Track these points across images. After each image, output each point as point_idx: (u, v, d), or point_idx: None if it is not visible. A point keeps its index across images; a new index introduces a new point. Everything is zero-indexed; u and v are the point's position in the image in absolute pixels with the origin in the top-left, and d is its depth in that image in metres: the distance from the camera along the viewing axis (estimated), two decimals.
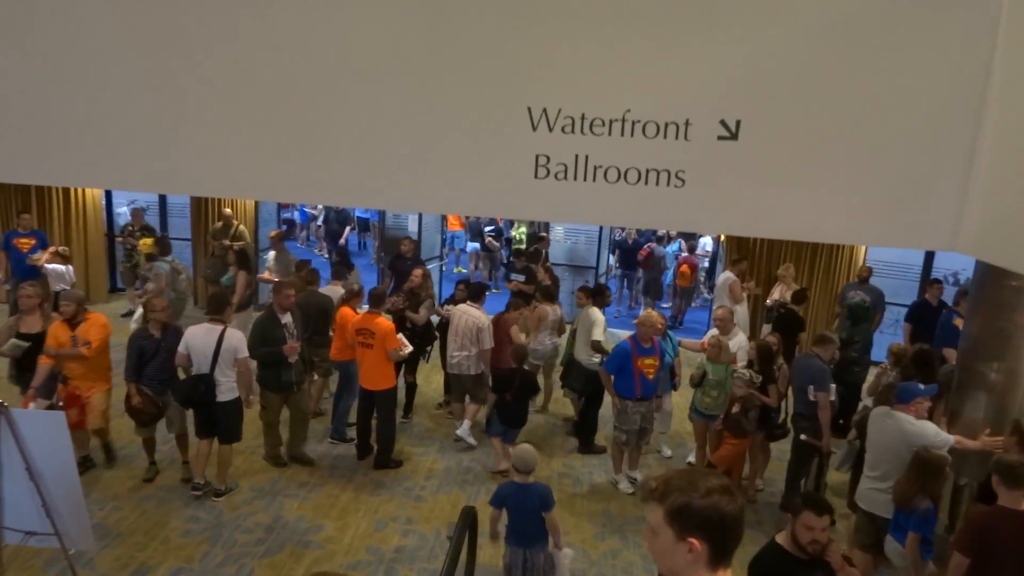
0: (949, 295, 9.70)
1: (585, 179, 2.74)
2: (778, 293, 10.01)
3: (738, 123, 2.65)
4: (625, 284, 14.22)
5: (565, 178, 2.75)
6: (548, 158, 2.76)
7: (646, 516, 1.95)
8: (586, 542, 6.36)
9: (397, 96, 2.79)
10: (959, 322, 7.32)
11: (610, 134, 2.72)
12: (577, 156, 2.74)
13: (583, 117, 2.71)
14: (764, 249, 11.18)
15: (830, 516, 3.72)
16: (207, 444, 6.60)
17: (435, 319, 8.96)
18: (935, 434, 5.21)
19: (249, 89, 2.77)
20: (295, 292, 7.32)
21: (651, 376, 6.97)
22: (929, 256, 11.35)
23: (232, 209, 12.01)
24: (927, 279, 11.37)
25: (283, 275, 9.58)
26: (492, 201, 2.88)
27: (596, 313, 8.12)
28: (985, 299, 5.65)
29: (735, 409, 6.74)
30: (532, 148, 2.77)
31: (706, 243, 14.79)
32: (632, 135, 2.70)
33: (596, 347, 7.89)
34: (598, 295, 8.48)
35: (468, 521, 4.90)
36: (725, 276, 10.30)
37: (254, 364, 6.76)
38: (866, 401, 7.55)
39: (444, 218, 14.21)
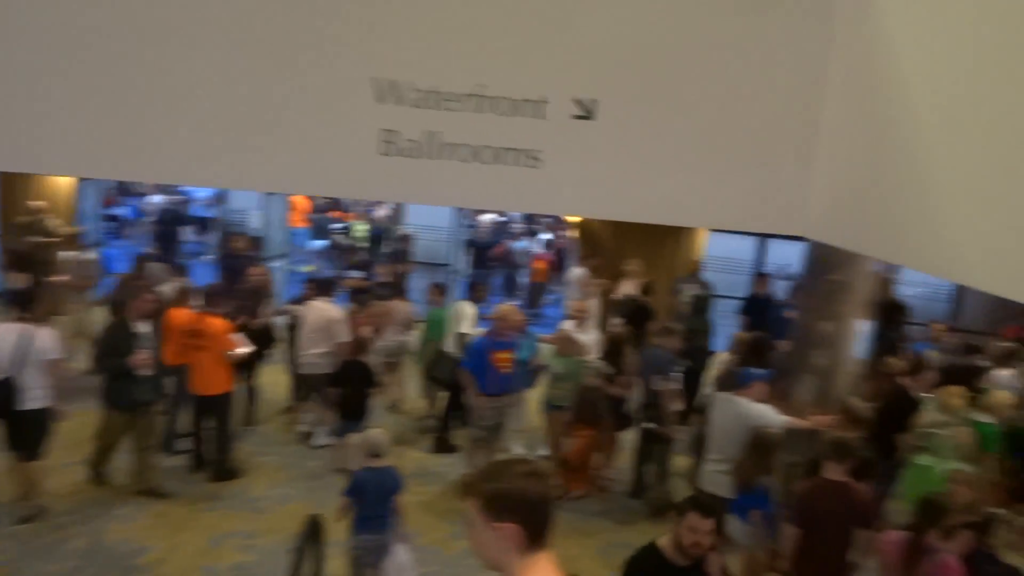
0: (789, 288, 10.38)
1: (436, 157, 2.55)
2: (626, 289, 10.29)
3: (594, 103, 2.57)
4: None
5: (414, 156, 2.55)
6: (395, 134, 2.55)
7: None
8: (442, 542, 6.18)
9: (232, 66, 2.48)
10: (791, 314, 7.83)
11: (463, 109, 2.55)
12: (427, 132, 2.55)
13: (434, 91, 2.52)
14: (615, 246, 11.48)
15: (716, 519, 3.52)
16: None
17: (280, 320, 8.46)
18: (771, 415, 5.49)
19: (78, 62, 2.40)
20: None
21: (506, 370, 6.90)
22: (760, 251, 12.13)
23: (47, 201, 10.76)
24: (759, 274, 12.18)
25: (81, 279, 8.72)
26: (334, 180, 2.63)
27: (468, 307, 8.04)
28: (812, 292, 6.06)
29: (586, 400, 6.82)
30: (376, 122, 2.55)
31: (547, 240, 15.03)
32: (486, 112, 2.54)
33: (458, 340, 7.77)
34: (471, 290, 8.44)
35: (313, 530, 4.57)
36: (578, 272, 10.47)
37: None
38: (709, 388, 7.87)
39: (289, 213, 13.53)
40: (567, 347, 7.09)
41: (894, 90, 2.26)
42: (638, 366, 7.19)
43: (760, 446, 5.12)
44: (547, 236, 15.02)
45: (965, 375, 6.72)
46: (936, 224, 1.99)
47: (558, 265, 14.21)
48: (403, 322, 8.56)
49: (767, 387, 5.70)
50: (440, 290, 8.70)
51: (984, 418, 6.32)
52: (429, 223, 12.77)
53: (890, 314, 8.58)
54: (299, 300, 8.27)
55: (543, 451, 7.85)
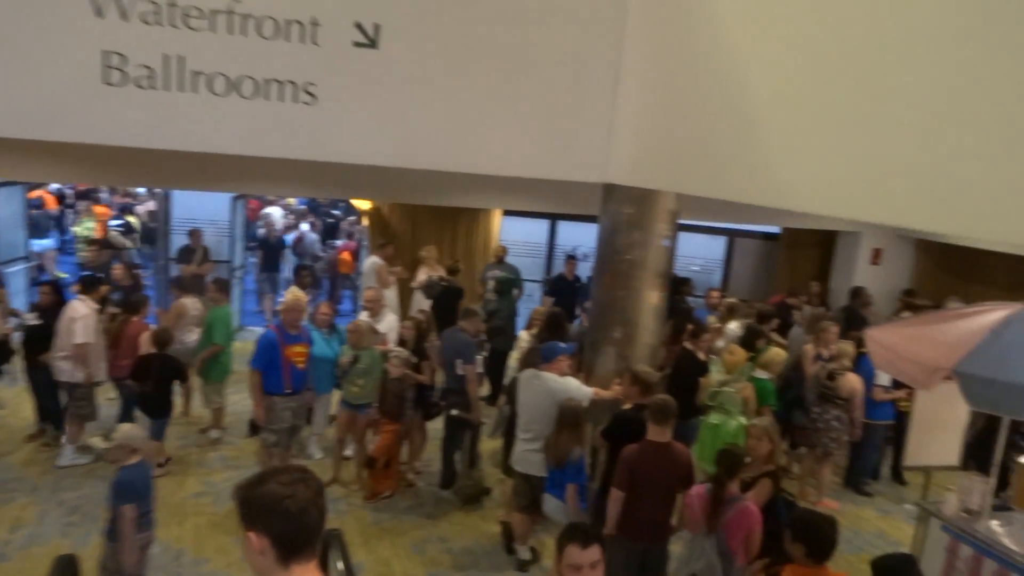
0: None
1: (181, 88, 2.04)
2: (423, 275, 9.99)
3: (377, 28, 2.19)
4: (268, 287, 12.85)
5: (150, 86, 2.02)
6: (123, 58, 2.00)
7: None
8: (233, 565, 5.48)
9: None
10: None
11: (214, 30, 2.06)
12: (167, 57, 2.03)
13: (172, 4, 2.01)
14: (408, 233, 11.12)
15: (600, 546, 2.87)
16: None
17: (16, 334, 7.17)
18: (577, 388, 5.45)
19: None
20: None
21: (301, 365, 6.30)
22: (552, 234, 12.37)
23: None
24: (551, 255, 12.44)
25: None
26: (43, 117, 2.02)
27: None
28: (607, 270, 6.18)
29: (391, 392, 6.43)
30: (97, 43, 1.98)
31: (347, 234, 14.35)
32: (244, 33, 2.07)
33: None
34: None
35: (62, 572, 3.77)
36: (371, 261, 9.98)
37: None
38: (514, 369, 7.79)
39: (29, 209, 11.61)
40: (360, 338, 6.61)
41: (700, 24, 2.13)
42: (440, 352, 6.92)
43: (569, 419, 5.05)
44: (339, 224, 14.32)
45: (750, 337, 7.19)
46: (757, 152, 1.87)
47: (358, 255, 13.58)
48: (196, 321, 7.67)
49: (571, 360, 5.67)
50: (221, 287, 7.85)
51: (762, 375, 6.78)
52: (203, 216, 11.57)
53: (677, 286, 9.05)
54: (41, 306, 7.06)
55: (348, 452, 7.33)
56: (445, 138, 2.32)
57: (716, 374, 6.86)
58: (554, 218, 12.38)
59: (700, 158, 2.07)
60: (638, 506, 4.55)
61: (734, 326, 8.03)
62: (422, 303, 9.42)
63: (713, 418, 6.68)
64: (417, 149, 2.33)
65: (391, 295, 9.78)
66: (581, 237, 12.75)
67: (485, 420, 6.96)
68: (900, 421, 7.43)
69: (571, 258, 10.52)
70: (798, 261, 11.99)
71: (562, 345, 5.68)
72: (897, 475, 7.90)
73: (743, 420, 6.56)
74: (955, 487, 5.37)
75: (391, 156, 2.38)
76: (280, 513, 1.67)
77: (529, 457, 5.48)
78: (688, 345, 7.15)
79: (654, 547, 4.76)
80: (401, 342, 6.97)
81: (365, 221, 11.18)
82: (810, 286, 10.36)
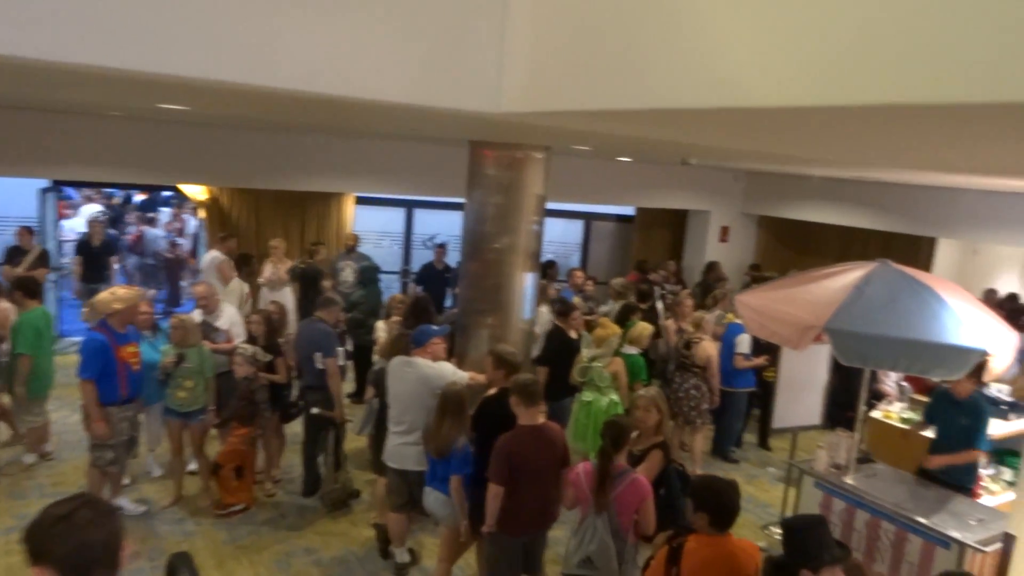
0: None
1: None
2: (270, 269, 9.21)
3: None
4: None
5: None
6: None
7: None
8: None
9: None
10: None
11: None
12: None
13: None
14: (251, 224, 10.24)
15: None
16: None
17: None
18: (452, 372, 5.08)
19: None
20: None
21: (136, 367, 5.48)
22: (409, 222, 11.89)
23: None
24: (409, 244, 11.95)
25: None
26: None
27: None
28: (476, 256, 5.98)
29: (240, 394, 5.75)
30: None
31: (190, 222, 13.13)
32: None
33: None
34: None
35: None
36: (212, 256, 9.06)
37: None
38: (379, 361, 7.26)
39: None
40: (185, 335, 5.82)
41: None
42: (296, 345, 6.30)
43: (452, 405, 4.63)
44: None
45: (625, 313, 7.14)
46: (685, 46, 1.58)
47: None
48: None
49: (444, 343, 5.28)
50: (28, 289, 6.73)
51: (631, 350, 6.73)
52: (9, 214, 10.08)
53: (544, 270, 8.94)
54: None
55: (192, 467, 6.53)
56: (309, 53, 1.87)
57: (586, 351, 6.72)
58: (411, 206, 11.91)
59: (617, 64, 1.76)
60: (519, 498, 4.23)
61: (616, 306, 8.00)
62: (270, 299, 8.66)
63: (585, 395, 6.54)
64: (277, 65, 1.86)
65: (235, 292, 8.94)
66: (439, 225, 12.38)
67: (351, 418, 6.43)
68: (763, 389, 7.68)
69: (440, 246, 10.11)
70: (652, 241, 12.28)
71: (434, 328, 5.28)
72: (762, 441, 8.16)
73: (614, 396, 6.47)
74: (823, 444, 5.51)
75: (245, 71, 1.88)
76: (58, 537, 1.57)
77: (404, 451, 5.04)
78: (559, 323, 6.98)
79: (536, 536, 4.50)
80: (251, 339, 6.28)
81: (202, 213, 10.18)
82: (667, 265, 10.59)
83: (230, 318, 6.55)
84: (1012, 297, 9.64)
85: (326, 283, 8.60)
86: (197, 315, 6.41)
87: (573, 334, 6.97)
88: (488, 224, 5.88)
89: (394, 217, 11.95)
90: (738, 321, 7.52)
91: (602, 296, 8.91)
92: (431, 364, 5.05)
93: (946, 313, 4.72)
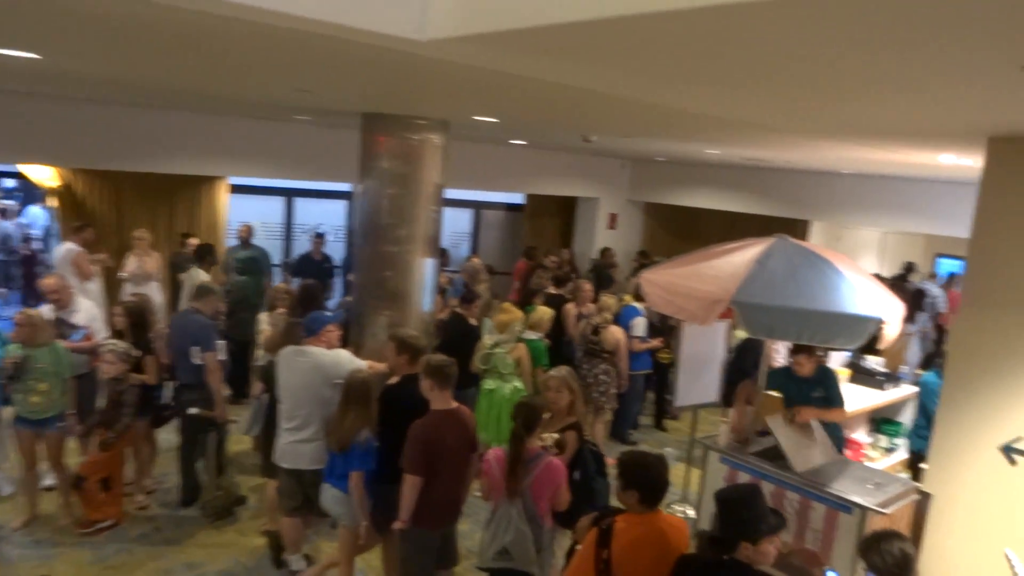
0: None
1: None
2: (134, 263, 8.39)
3: None
4: None
5: None
6: None
7: None
8: None
9: None
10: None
11: None
12: None
13: None
14: (111, 213, 9.29)
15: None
16: None
17: None
18: (350, 360, 4.71)
19: None
20: None
21: None
22: (289, 212, 11.24)
23: None
24: (290, 235, 11.29)
25: None
26: None
27: None
28: (371, 248, 5.75)
29: (109, 397, 5.11)
30: None
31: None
32: None
33: None
34: None
35: None
36: (66, 248, 8.12)
37: None
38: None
39: None
40: (34, 333, 5.11)
41: None
42: (169, 341, 5.69)
43: (357, 395, 4.25)
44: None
45: (528, 296, 6.97)
46: None
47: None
48: None
49: (339, 331, 4.89)
50: None
51: (531, 335, 6.56)
52: None
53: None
54: None
55: (49, 482, 5.78)
56: None
57: (488, 337, 6.49)
58: (291, 195, 11.25)
59: None
60: (437, 488, 3.96)
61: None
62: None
63: (488, 383, 6.31)
64: None
65: (95, 288, 8.07)
66: (323, 215, 11.78)
67: (234, 418, 5.89)
68: (657, 371, 7.73)
69: (318, 236, 9.55)
70: (542, 229, 12.22)
71: (327, 314, 4.88)
72: (658, 423, 8.23)
73: (518, 383, 6.28)
74: (727, 420, 5.54)
75: None
76: None
77: (297, 449, 4.62)
78: (459, 310, 6.72)
79: (451, 527, 4.24)
80: (116, 334, 5.60)
81: (53, 201, 9.13)
82: (561, 252, 10.53)
83: (88, 313, 5.84)
84: (901, 277, 10.15)
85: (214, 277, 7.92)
86: (48, 311, 5.66)
87: (473, 321, 6.73)
88: (384, 215, 5.57)
89: (272, 207, 11.25)
90: (634, 304, 7.54)
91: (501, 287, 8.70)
92: (326, 352, 4.66)
93: (844, 284, 4.82)
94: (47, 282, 5.81)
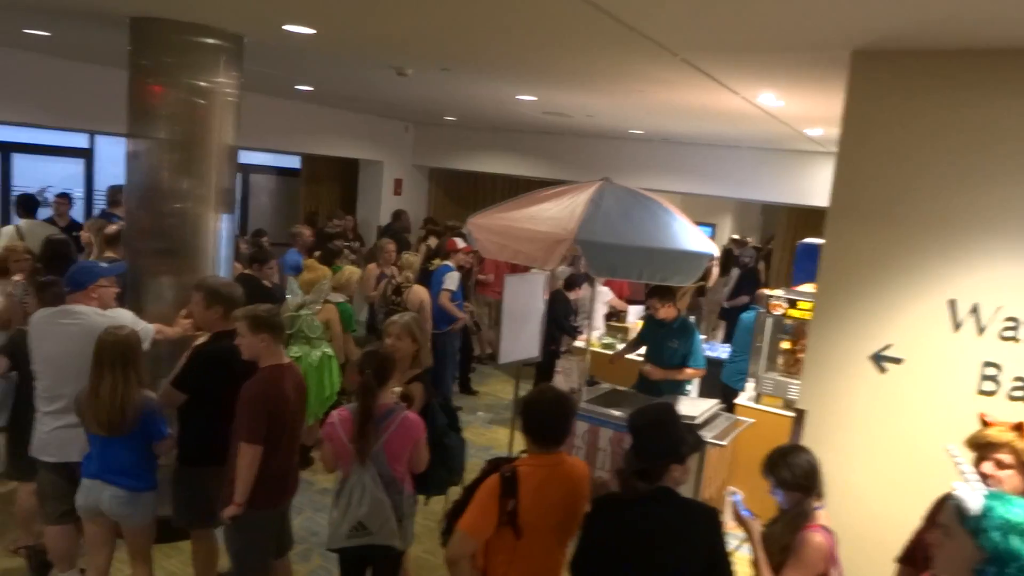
0: None
1: None
2: None
3: None
4: None
5: None
6: None
7: None
8: None
9: None
10: None
11: None
12: None
13: None
14: None
15: None
16: None
17: None
18: (134, 320, 3.79)
19: None
20: None
21: None
22: (5, 171, 9.19)
23: None
24: (6, 199, 9.25)
25: None
26: None
27: None
28: (149, 212, 4.48)
29: None
30: None
31: None
32: None
33: None
34: None
35: None
36: None
37: None
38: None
39: None
40: None
41: None
42: None
43: (114, 355, 3.33)
44: None
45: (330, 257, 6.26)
46: None
47: None
48: None
49: (115, 286, 3.90)
50: None
51: (339, 297, 5.91)
52: None
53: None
54: None
55: None
56: None
57: (291, 298, 5.71)
58: (7, 150, 9.20)
59: None
60: (275, 458, 3.30)
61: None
62: None
63: (293, 350, 5.54)
64: None
65: None
66: (52, 175, 9.83)
67: None
68: (463, 333, 7.44)
69: (62, 197, 7.82)
70: (321, 195, 11.36)
71: (102, 265, 3.86)
72: (464, 387, 7.94)
73: (327, 349, 5.61)
74: (559, 370, 5.39)
75: None
76: None
77: (64, 437, 3.61)
78: (250, 272, 5.85)
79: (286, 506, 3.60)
80: None
81: None
82: (346, 219, 9.78)
83: None
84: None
85: None
86: None
87: (267, 283, 5.91)
88: (164, 178, 4.39)
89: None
90: (447, 263, 7.16)
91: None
92: (101, 313, 3.69)
93: (675, 223, 4.86)
94: None
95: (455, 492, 3.08)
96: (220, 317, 3.63)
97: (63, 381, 3.57)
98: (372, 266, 7.25)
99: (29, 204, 7.10)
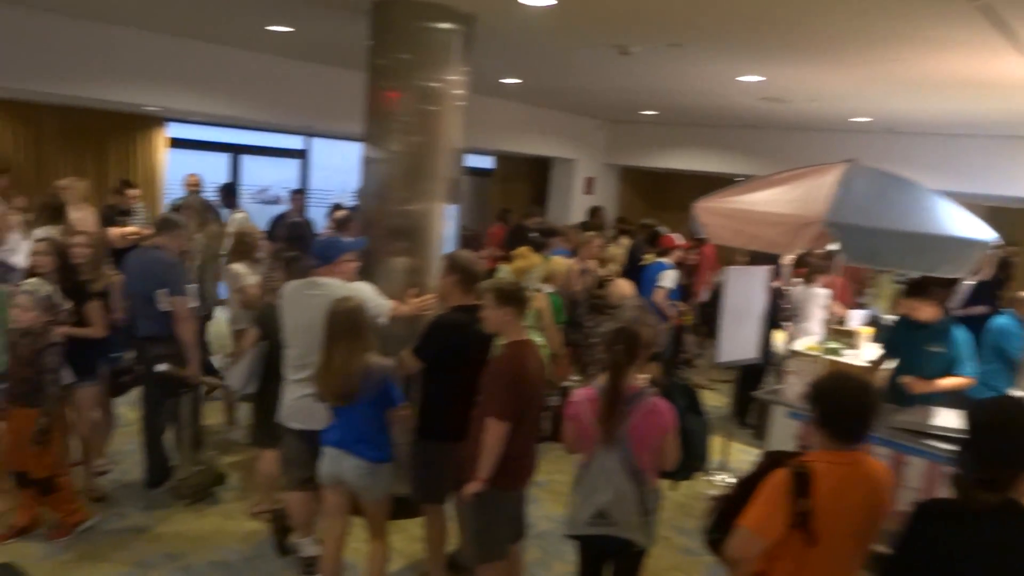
0: None
1: None
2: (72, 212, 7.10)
3: None
4: None
5: None
6: None
7: None
8: None
9: None
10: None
11: None
12: None
13: None
14: (29, 162, 7.93)
15: None
16: None
17: None
18: (375, 296, 3.83)
19: None
20: None
21: None
22: (235, 171, 10.04)
23: None
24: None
25: None
26: None
27: None
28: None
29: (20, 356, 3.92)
30: None
31: None
32: None
33: None
34: None
35: None
36: None
37: None
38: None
39: None
40: None
41: None
42: (126, 285, 4.62)
43: (343, 327, 3.35)
44: None
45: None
46: None
47: None
48: None
49: (358, 261, 3.99)
50: None
51: (548, 288, 5.78)
52: None
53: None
54: None
55: None
56: None
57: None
58: (237, 151, 10.06)
59: None
60: (518, 438, 3.19)
61: None
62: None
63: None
64: None
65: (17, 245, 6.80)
66: (273, 175, 10.65)
67: (211, 380, 4.87)
68: (675, 333, 7.09)
69: (297, 193, 8.46)
70: (511, 194, 11.45)
71: (347, 240, 3.95)
72: None
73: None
74: (793, 371, 4.92)
75: None
76: None
77: (311, 406, 3.69)
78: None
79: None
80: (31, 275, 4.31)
81: None
82: (542, 220, 9.76)
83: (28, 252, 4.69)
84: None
85: None
86: None
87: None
88: (395, 183, 4.43)
89: (216, 165, 10.02)
90: (662, 260, 6.86)
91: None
92: (345, 286, 3.75)
93: (941, 205, 4.27)
94: None
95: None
96: (460, 288, 3.59)
97: (312, 351, 3.65)
98: (573, 261, 7.09)
99: (232, 194, 8.03)
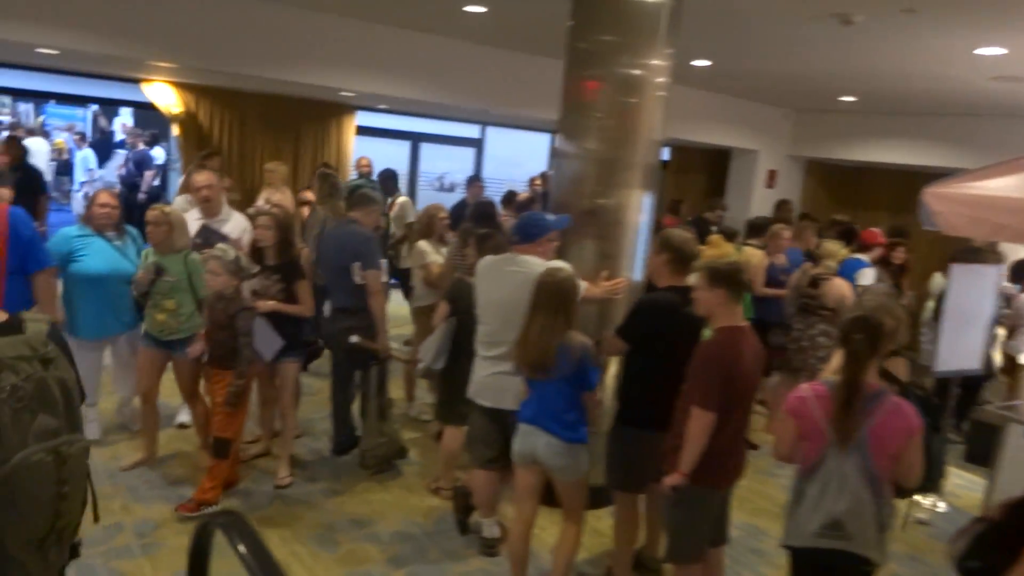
0: None
1: None
2: (263, 199, 7.57)
3: None
4: None
5: None
6: None
7: None
8: None
9: None
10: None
11: None
12: None
13: None
14: (233, 147, 8.55)
15: None
16: None
17: None
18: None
19: None
20: None
21: None
22: (414, 158, 10.35)
23: None
24: (414, 181, 10.43)
25: None
26: None
27: None
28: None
29: (214, 321, 4.04)
30: None
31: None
32: None
33: None
34: None
35: None
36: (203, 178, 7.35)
37: None
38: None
39: None
40: (169, 236, 4.22)
41: None
42: (321, 258, 4.78)
43: (546, 299, 3.23)
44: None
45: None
46: None
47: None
48: None
49: (559, 239, 3.86)
50: None
51: None
52: None
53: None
54: None
55: (182, 418, 5.00)
56: None
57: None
58: (416, 139, 10.36)
59: None
60: (725, 431, 2.93)
61: None
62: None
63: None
64: None
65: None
66: (449, 163, 10.89)
67: (401, 355, 4.94)
68: None
69: (475, 179, 8.69)
70: (686, 186, 11.00)
71: (550, 217, 3.82)
72: None
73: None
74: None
75: None
76: None
77: (501, 383, 3.60)
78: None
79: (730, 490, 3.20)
80: (255, 252, 4.53)
81: (176, 130, 8.46)
82: (723, 204, 9.29)
83: (239, 224, 4.95)
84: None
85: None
86: (195, 215, 4.82)
87: None
88: (590, 174, 4.25)
89: (397, 151, 10.37)
90: (858, 256, 6.25)
91: None
92: (543, 263, 3.61)
93: None
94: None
95: None
96: (669, 268, 3.37)
97: (506, 327, 3.55)
98: (761, 254, 6.61)
99: (393, 180, 8.05)
